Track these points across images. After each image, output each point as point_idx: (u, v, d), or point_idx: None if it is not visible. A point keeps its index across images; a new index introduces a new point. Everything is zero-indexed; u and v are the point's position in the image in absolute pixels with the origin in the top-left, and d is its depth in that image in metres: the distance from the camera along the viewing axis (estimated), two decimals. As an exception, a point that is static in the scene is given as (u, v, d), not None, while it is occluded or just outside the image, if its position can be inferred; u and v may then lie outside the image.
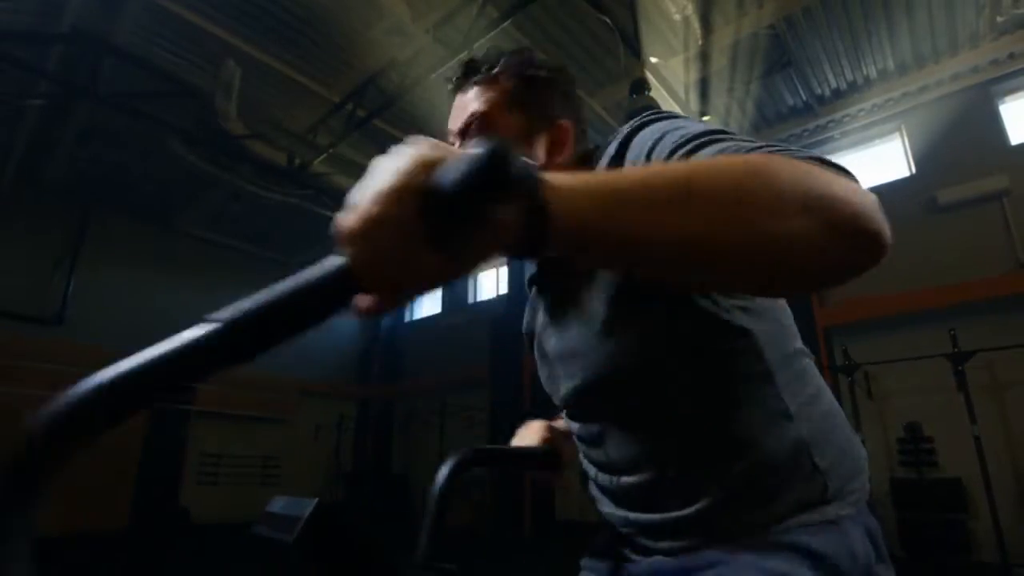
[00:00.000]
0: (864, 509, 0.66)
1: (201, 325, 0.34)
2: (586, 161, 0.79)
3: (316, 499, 0.55)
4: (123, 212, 8.48)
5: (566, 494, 7.64)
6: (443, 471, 0.67)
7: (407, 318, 12.34)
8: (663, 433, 0.67)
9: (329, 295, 0.37)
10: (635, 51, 4.68)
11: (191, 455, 8.47)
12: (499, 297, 10.10)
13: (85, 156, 7.05)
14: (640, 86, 4.50)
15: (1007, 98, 6.09)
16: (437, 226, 0.35)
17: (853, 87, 6.40)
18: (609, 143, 0.72)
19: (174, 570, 5.61)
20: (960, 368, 4.82)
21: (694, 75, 5.56)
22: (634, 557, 0.73)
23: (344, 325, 11.63)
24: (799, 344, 0.72)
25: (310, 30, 5.36)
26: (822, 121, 6.75)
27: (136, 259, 8.53)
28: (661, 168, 0.45)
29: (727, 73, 5.68)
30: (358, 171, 7.01)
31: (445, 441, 9.19)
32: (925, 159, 6.27)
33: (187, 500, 8.09)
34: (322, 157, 6.73)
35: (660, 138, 0.60)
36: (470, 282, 11.03)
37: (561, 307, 0.76)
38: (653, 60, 4.95)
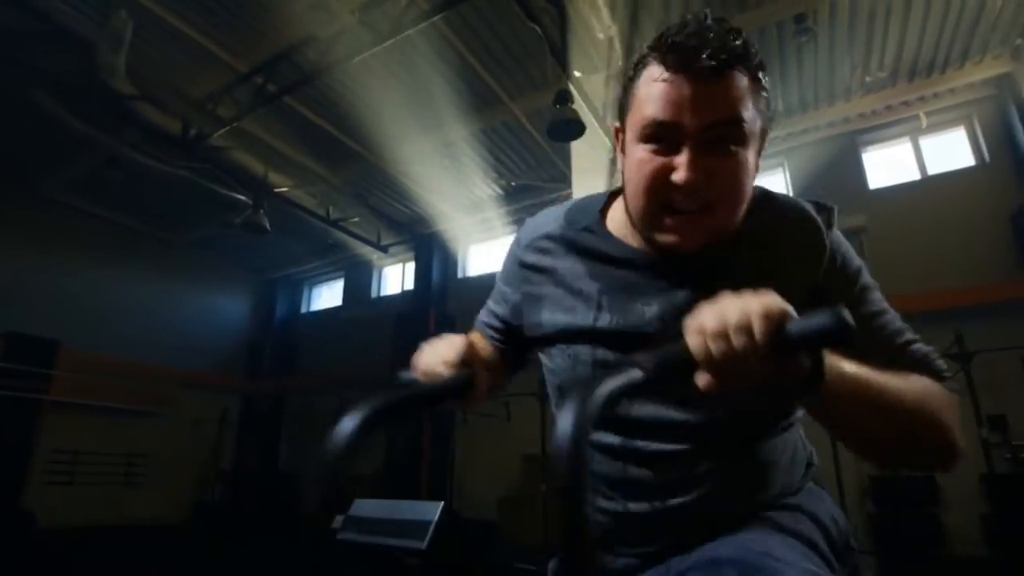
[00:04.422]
0: None
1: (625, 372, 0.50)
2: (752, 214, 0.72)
3: (442, 503, 0.52)
4: (-31, 167, 7.29)
5: (463, 493, 7.66)
6: (340, 433, 0.48)
7: (303, 309, 11.73)
8: (732, 455, 0.73)
9: (677, 368, 0.53)
10: (561, 62, 4.81)
11: (41, 451, 7.42)
12: (404, 293, 9.90)
13: (-77, 97, 5.98)
14: (564, 97, 4.62)
15: (869, 148, 7.02)
16: (779, 352, 0.50)
17: (748, 122, 7.04)
18: (798, 212, 0.73)
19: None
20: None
21: (613, 93, 5.82)
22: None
23: (231, 313, 10.82)
24: None
25: (221, -9, 4.95)
26: (782, 187, 7.35)
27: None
28: (886, 380, 0.60)
29: (642, 95, 6.01)
30: (263, 149, 6.57)
31: (339, 439, 8.83)
32: (802, 194, 7.00)
33: (32, 503, 7.08)
34: (223, 130, 6.22)
35: (863, 288, 0.73)
36: (374, 275, 10.72)
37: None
38: (577, 74, 5.12)
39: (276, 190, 7.41)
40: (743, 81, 0.63)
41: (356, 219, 8.63)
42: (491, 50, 5.59)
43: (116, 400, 8.30)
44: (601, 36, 5.19)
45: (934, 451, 0.63)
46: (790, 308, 0.50)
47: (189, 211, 8.42)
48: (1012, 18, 5.33)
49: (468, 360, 0.71)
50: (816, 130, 6.98)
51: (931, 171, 6.61)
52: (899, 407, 0.60)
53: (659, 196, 0.66)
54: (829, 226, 0.73)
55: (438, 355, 0.71)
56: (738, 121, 0.63)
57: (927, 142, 6.75)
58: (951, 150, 6.61)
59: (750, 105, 0.64)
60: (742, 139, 0.64)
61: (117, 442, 8.40)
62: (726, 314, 0.50)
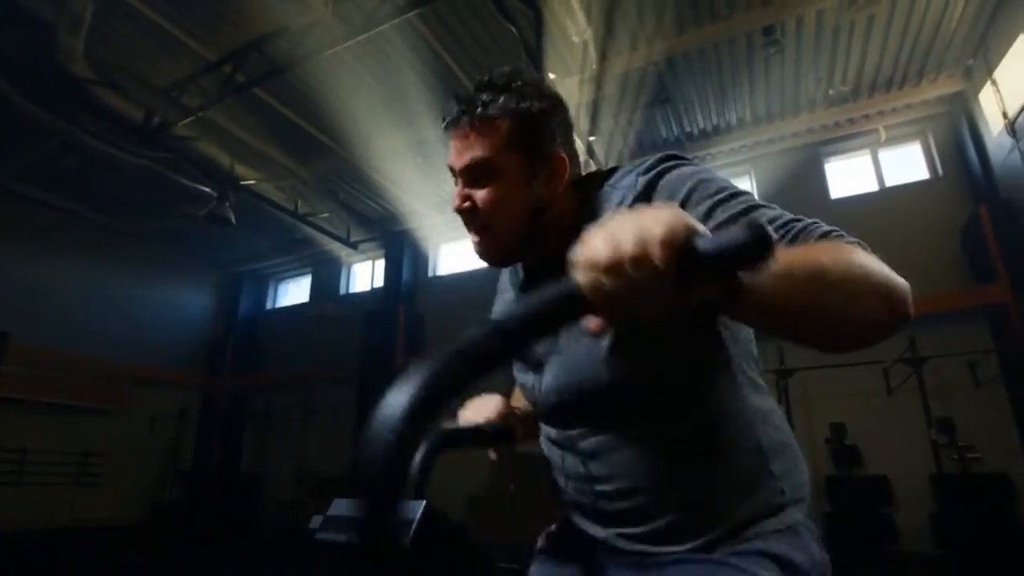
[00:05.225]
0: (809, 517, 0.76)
1: (477, 329, 0.42)
2: (587, 185, 0.82)
3: (424, 500, 0.52)
4: (-90, 150, 6.88)
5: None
6: (417, 458, 0.63)
7: (269, 305, 11.47)
8: (647, 444, 0.73)
9: (562, 313, 0.45)
10: (535, 64, 4.83)
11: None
12: (373, 290, 9.79)
13: None
14: (539, 99, 4.65)
15: (831, 159, 7.26)
16: (685, 277, 0.42)
17: (716, 130, 7.20)
18: (628, 174, 0.78)
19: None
20: (784, 382, 5.64)
21: (587, 97, 5.88)
22: (602, 559, 0.78)
23: (193, 307, 10.51)
24: (757, 362, 0.82)
25: (188, -23, 4.81)
26: (689, 157, 7.48)
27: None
28: (803, 256, 0.54)
29: (616, 100, 6.09)
30: (230, 140, 6.40)
31: (308, 441, 8.68)
32: (768, 201, 7.22)
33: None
34: (187, 120, 6.04)
35: (694, 188, 0.70)
36: (342, 272, 10.57)
37: None
38: (551, 76, 5.15)
39: (242, 183, 7.23)
40: (498, 125, 0.76)
41: (325, 214, 8.49)
42: (466, 48, 5.57)
43: (69, 397, 7.97)
44: (576, 40, 5.23)
45: (879, 304, 0.55)
46: (696, 224, 0.43)
47: (150, 202, 8.13)
48: (965, 39, 5.59)
49: (506, 415, 0.89)
50: (781, 140, 7.18)
51: (889, 183, 6.88)
52: (828, 276, 0.53)
53: (462, 221, 0.81)
54: (660, 174, 0.73)
55: (480, 411, 0.89)
56: (482, 162, 0.76)
57: (885, 155, 7.02)
58: (907, 163, 6.89)
59: (502, 144, 0.76)
60: (491, 174, 0.77)
61: (70, 440, 8.06)
62: (620, 241, 0.42)
